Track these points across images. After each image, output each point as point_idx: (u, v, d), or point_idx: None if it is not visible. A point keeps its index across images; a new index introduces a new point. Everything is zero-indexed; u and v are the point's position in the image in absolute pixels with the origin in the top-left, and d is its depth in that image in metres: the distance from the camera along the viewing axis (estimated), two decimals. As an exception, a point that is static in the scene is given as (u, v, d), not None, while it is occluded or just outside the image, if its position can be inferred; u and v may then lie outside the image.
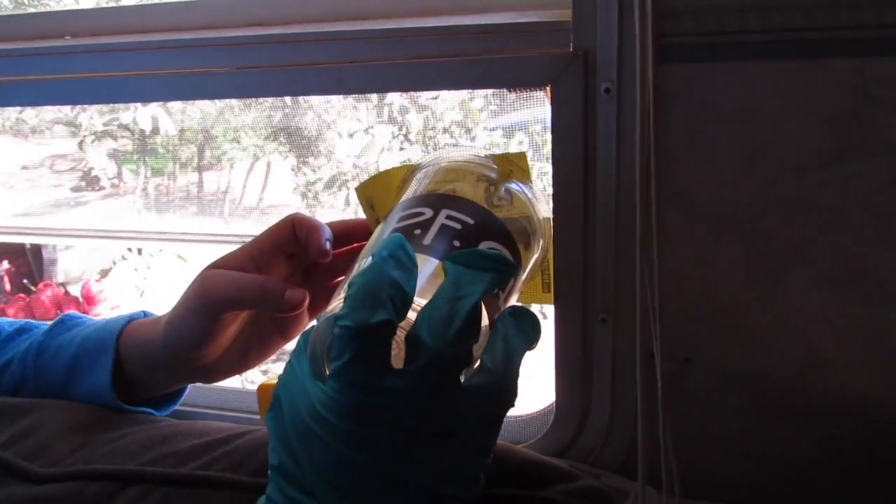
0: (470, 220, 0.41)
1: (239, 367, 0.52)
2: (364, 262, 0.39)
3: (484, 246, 0.41)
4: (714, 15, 0.42)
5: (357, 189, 0.50)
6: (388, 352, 0.32)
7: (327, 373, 0.33)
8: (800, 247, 0.46)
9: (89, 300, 2.29)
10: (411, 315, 0.35)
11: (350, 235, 0.51)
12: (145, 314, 0.54)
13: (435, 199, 0.43)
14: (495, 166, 0.47)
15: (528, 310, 0.37)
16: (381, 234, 0.43)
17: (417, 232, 0.40)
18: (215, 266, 0.49)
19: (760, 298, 0.48)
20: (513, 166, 0.47)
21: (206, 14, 0.56)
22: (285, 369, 0.36)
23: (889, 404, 0.48)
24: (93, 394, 0.51)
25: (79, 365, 0.51)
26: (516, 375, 0.35)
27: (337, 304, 0.38)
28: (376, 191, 0.50)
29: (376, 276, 0.33)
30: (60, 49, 0.55)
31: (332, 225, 0.51)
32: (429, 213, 0.41)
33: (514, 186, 0.47)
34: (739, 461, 0.53)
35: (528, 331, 0.36)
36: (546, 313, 0.57)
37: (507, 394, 0.35)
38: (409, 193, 0.45)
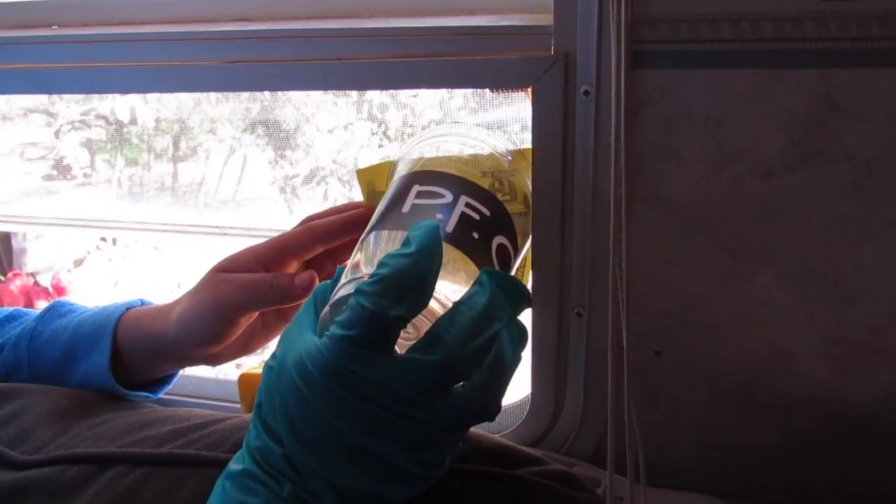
0: (486, 212, 0.43)
1: (243, 352, 0.54)
2: (392, 233, 0.40)
3: (497, 241, 0.42)
4: (688, 24, 0.44)
5: (358, 172, 0.51)
6: (395, 338, 0.34)
7: (330, 328, 0.34)
8: (765, 247, 0.48)
9: (59, 291, 2.25)
10: (434, 305, 0.36)
11: (347, 231, 0.52)
12: (143, 302, 0.55)
13: (454, 182, 0.44)
14: (509, 157, 0.48)
15: (519, 323, 0.37)
16: (397, 199, 0.43)
17: (440, 216, 0.41)
18: (223, 269, 0.50)
19: (727, 295, 0.50)
20: (523, 161, 0.49)
21: (195, 7, 0.56)
22: (293, 320, 0.38)
23: (846, 397, 0.51)
24: (89, 378, 0.52)
25: (75, 350, 0.52)
26: (505, 389, 0.36)
27: (360, 259, 0.39)
28: (378, 177, 0.51)
29: (410, 269, 0.33)
30: (47, 39, 0.56)
31: (329, 223, 0.52)
32: (448, 196, 0.42)
33: (519, 181, 0.48)
34: (705, 451, 0.55)
35: (519, 344, 0.37)
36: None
37: (491, 408, 0.36)
38: (421, 164, 0.46)
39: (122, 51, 0.55)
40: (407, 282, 0.33)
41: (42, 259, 2.01)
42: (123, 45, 0.55)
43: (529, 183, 0.49)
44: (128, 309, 0.54)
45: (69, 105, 1.46)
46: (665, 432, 0.55)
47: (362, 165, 0.53)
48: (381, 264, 0.34)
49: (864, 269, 0.47)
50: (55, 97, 1.41)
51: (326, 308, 0.38)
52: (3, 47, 0.56)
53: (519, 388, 0.59)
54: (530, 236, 0.50)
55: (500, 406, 0.36)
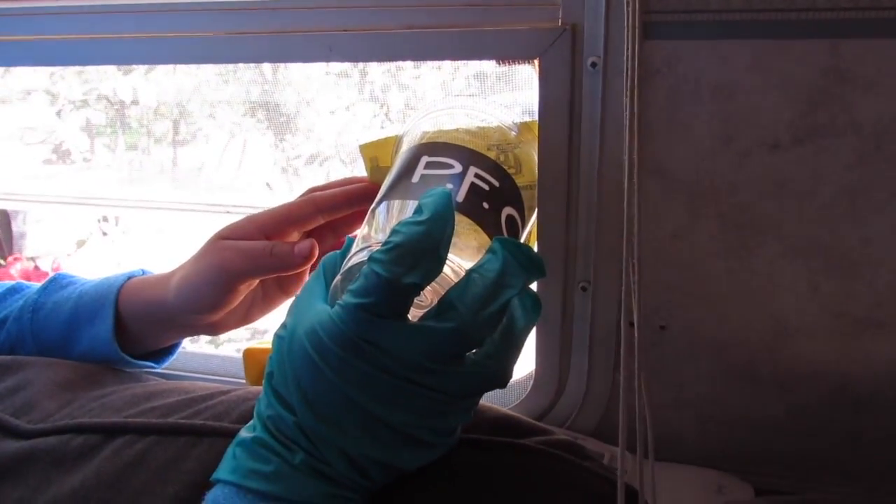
0: (496, 183, 0.43)
1: (243, 322, 0.54)
2: (403, 202, 0.40)
3: (506, 212, 0.42)
4: (697, -6, 0.44)
5: (361, 147, 0.51)
6: (409, 306, 0.34)
7: (341, 298, 0.34)
8: (771, 220, 0.48)
9: (59, 275, 2.24)
10: (447, 269, 0.36)
11: (350, 203, 0.52)
12: (144, 272, 0.55)
13: (463, 153, 0.44)
14: (515, 130, 0.48)
15: (531, 291, 0.37)
16: (407, 170, 0.43)
17: (450, 186, 0.41)
18: (224, 236, 0.50)
19: (733, 269, 0.50)
20: (529, 134, 0.49)
21: (198, -22, 0.56)
22: (302, 289, 0.38)
23: (849, 371, 0.51)
24: (94, 348, 0.52)
25: (78, 320, 0.52)
26: (517, 356, 0.37)
27: (368, 232, 0.39)
28: (381, 152, 0.51)
29: (424, 236, 0.33)
30: (49, 10, 0.55)
31: (331, 195, 0.52)
32: (458, 167, 0.42)
33: (524, 154, 0.48)
34: (709, 425, 0.55)
35: (532, 312, 0.37)
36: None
37: (504, 376, 0.36)
38: (430, 136, 0.46)
39: (125, 22, 0.54)
40: (421, 249, 0.33)
41: (42, 243, 2.01)
42: (126, 17, 0.54)
43: (535, 156, 0.49)
44: (129, 278, 0.54)
45: (71, 85, 1.46)
46: (669, 406, 0.55)
47: (366, 140, 0.52)
48: (394, 232, 0.34)
49: (870, 243, 0.47)
50: (57, 76, 1.40)
51: (338, 277, 0.38)
52: (5, 19, 0.56)
53: (523, 363, 0.59)
54: (536, 210, 0.50)
55: (511, 373, 0.37)
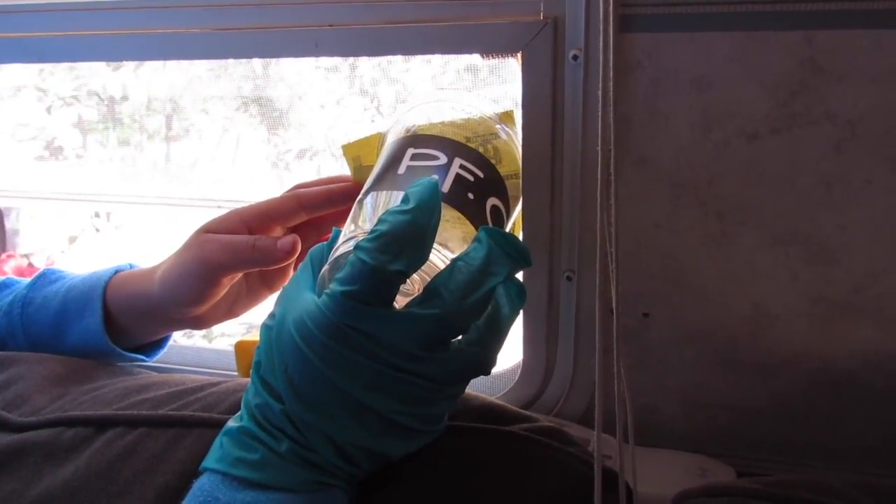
0: (480, 174, 0.43)
1: (227, 316, 0.55)
2: (390, 193, 0.41)
3: (490, 202, 0.43)
4: (675, -14, 0.45)
5: (344, 147, 0.52)
6: (395, 293, 0.34)
7: (328, 287, 0.35)
8: (750, 209, 0.49)
9: (53, 272, 2.24)
10: (434, 258, 0.37)
11: (333, 202, 0.53)
12: (132, 266, 0.56)
13: (448, 145, 0.44)
14: (498, 121, 0.49)
15: (516, 279, 0.38)
16: (393, 162, 0.44)
17: (436, 177, 0.42)
18: (208, 230, 0.51)
19: (714, 257, 0.51)
20: (510, 123, 0.50)
21: (185, -25, 0.56)
22: (290, 280, 0.39)
23: (828, 355, 0.52)
24: (84, 341, 0.52)
25: (67, 313, 0.52)
26: (501, 344, 0.37)
27: (355, 223, 0.40)
28: (364, 151, 0.52)
29: (409, 224, 0.34)
30: (38, 7, 0.56)
31: (315, 193, 0.52)
32: (443, 158, 0.43)
33: (504, 145, 0.49)
34: (692, 411, 0.56)
35: (516, 300, 0.38)
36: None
37: (488, 363, 0.37)
38: (415, 129, 0.46)
39: (113, 18, 0.55)
40: (406, 237, 0.33)
41: (36, 240, 2.01)
42: (114, 13, 0.55)
43: (517, 145, 0.50)
44: (116, 272, 0.54)
45: (61, 80, 1.46)
46: (652, 392, 0.56)
47: (348, 140, 0.53)
48: (380, 220, 0.34)
49: (846, 230, 0.48)
50: (46, 73, 1.40)
51: (325, 267, 0.38)
52: (-6, 16, 0.57)
53: (511, 354, 0.60)
54: (520, 200, 0.51)
55: (495, 360, 0.37)
